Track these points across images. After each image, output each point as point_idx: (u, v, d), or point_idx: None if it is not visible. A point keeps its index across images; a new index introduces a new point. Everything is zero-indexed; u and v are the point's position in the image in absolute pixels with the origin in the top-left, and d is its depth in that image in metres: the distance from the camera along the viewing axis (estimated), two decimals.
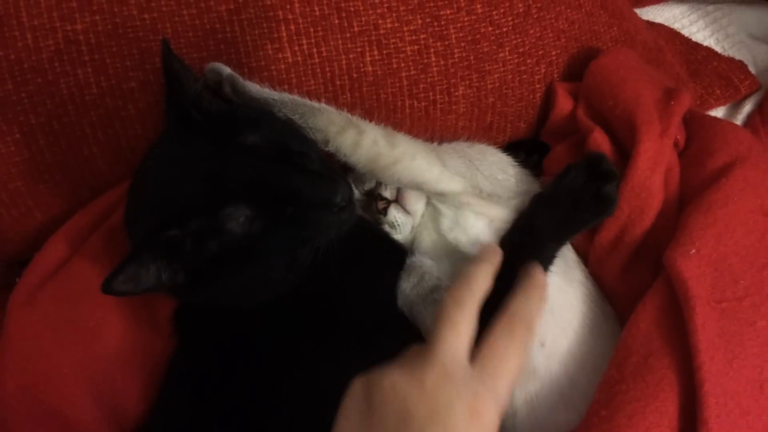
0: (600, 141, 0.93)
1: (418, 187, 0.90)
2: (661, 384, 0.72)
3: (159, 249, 0.70)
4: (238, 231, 0.71)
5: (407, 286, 0.84)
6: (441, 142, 1.03)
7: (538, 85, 1.06)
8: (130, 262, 0.68)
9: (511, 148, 1.04)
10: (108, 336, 0.85)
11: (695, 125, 0.94)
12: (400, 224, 0.91)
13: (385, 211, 0.91)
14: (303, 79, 0.94)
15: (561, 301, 0.86)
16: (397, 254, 0.89)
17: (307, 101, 0.87)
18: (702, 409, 0.68)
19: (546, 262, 0.85)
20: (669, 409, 0.70)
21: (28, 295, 0.86)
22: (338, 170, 0.81)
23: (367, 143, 0.86)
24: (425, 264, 0.87)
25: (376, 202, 0.92)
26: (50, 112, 0.87)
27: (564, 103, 1.03)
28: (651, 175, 0.86)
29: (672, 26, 1.36)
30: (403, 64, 0.97)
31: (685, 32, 1.36)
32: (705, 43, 1.35)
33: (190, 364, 0.83)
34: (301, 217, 0.73)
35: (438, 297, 0.80)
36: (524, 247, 0.84)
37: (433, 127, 1.03)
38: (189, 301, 0.83)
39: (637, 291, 0.84)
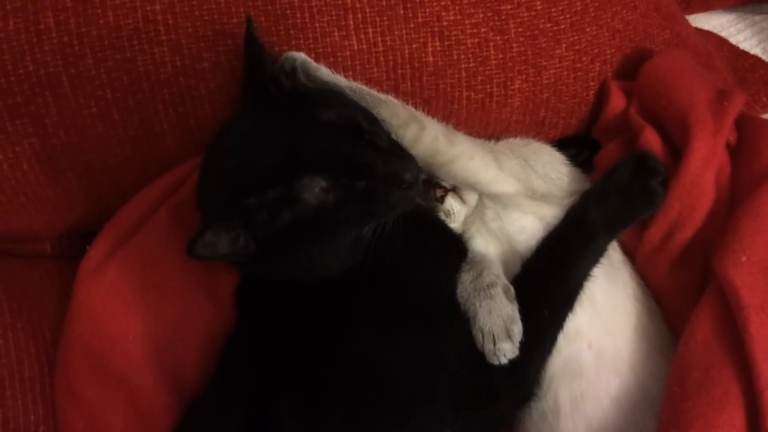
0: (651, 140, 0.95)
1: (472, 186, 0.92)
2: (726, 397, 0.72)
3: (237, 216, 0.73)
4: (313, 202, 0.74)
5: (467, 278, 0.86)
6: (495, 135, 1.07)
7: (592, 83, 1.09)
8: (211, 227, 0.71)
9: (561, 144, 1.07)
10: (172, 306, 0.89)
11: (746, 127, 0.96)
12: (455, 213, 0.94)
13: (442, 199, 0.93)
14: (367, 66, 0.97)
15: (607, 302, 0.87)
16: (461, 245, 0.91)
17: (374, 92, 0.90)
18: (765, 417, 0.70)
19: (597, 255, 0.88)
20: (736, 422, 0.71)
21: (97, 263, 0.90)
22: (406, 150, 0.83)
23: (428, 139, 0.87)
24: (486, 259, 0.89)
25: (433, 190, 0.94)
26: (126, 88, 0.91)
27: (617, 101, 1.05)
28: (703, 173, 0.88)
29: (719, 34, 1.41)
30: (463, 56, 1.00)
31: (732, 40, 1.40)
32: (752, 52, 1.39)
33: (248, 338, 0.85)
34: (372, 192, 0.76)
35: (494, 293, 0.82)
36: (575, 241, 0.88)
37: (488, 120, 1.06)
38: (254, 274, 0.85)
39: (685, 290, 0.87)
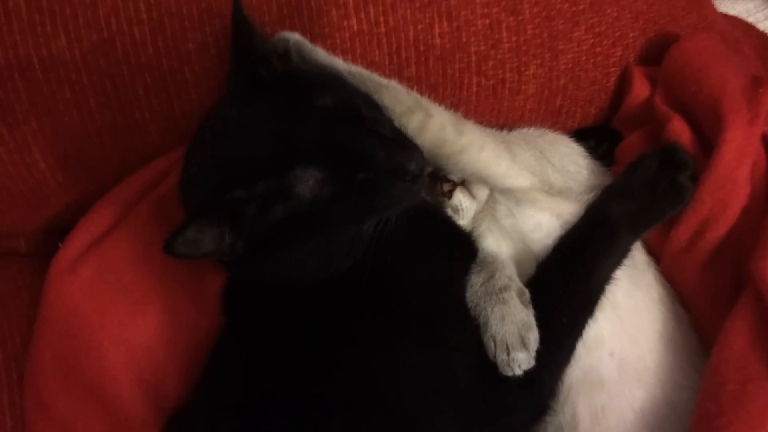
0: (680, 130, 0.91)
1: (483, 180, 0.89)
2: (765, 413, 0.69)
3: (223, 210, 0.69)
4: (307, 195, 0.70)
5: (478, 280, 0.83)
6: (507, 125, 1.03)
7: (613, 69, 1.05)
8: (194, 222, 0.67)
9: (579, 135, 1.03)
10: (153, 310, 0.85)
11: None
12: (464, 209, 0.90)
13: (450, 194, 0.89)
14: (368, 48, 0.93)
15: (630, 307, 0.85)
16: (471, 244, 0.88)
17: (375, 76, 0.87)
18: None
19: (620, 256, 0.85)
20: None
21: (70, 263, 0.86)
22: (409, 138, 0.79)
23: (434, 128, 0.84)
24: (498, 260, 0.86)
25: (440, 184, 0.90)
26: (103, 71, 0.87)
27: (641, 89, 1.02)
28: (737, 166, 0.84)
29: (746, 20, 1.35)
30: (472, 39, 0.96)
31: (760, 27, 1.35)
32: None
33: (237, 345, 0.82)
34: (373, 184, 0.72)
35: (507, 297, 0.79)
36: (596, 240, 0.84)
37: (500, 108, 1.03)
38: (243, 275, 0.82)
39: (717, 294, 0.83)
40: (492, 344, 0.78)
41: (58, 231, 0.97)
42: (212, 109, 0.82)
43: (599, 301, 0.83)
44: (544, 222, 0.89)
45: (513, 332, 0.77)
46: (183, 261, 0.83)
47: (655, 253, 0.90)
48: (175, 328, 0.85)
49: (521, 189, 0.90)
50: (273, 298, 0.80)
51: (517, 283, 0.83)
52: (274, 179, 0.70)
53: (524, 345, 0.76)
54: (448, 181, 0.90)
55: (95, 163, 0.93)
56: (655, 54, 1.05)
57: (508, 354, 0.76)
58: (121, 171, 0.94)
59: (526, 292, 0.82)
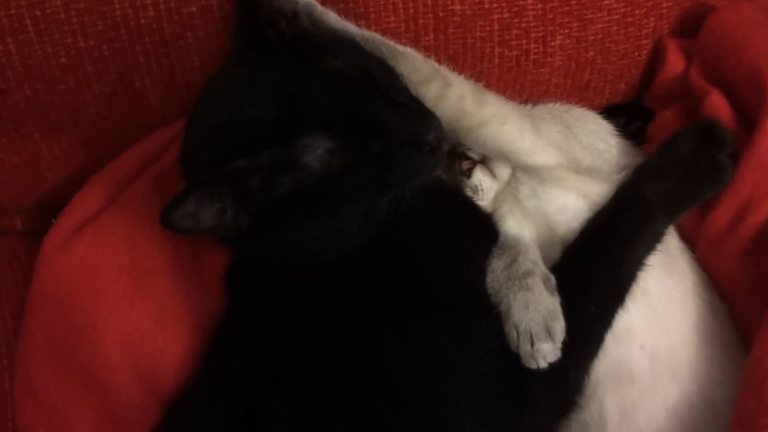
0: (718, 105, 0.88)
1: (505, 156, 0.86)
2: None
3: (225, 182, 0.67)
4: (315, 166, 0.68)
5: (499, 265, 0.81)
6: (531, 101, 1.00)
7: (645, 41, 1.01)
8: (192, 194, 0.64)
9: (608, 112, 1.00)
10: (151, 290, 0.83)
11: None
12: (485, 189, 0.88)
13: (469, 173, 0.87)
14: (383, 14, 0.90)
15: (662, 296, 0.82)
16: (492, 226, 0.85)
17: (389, 42, 0.84)
18: None
19: (653, 240, 0.82)
20: None
21: (64, 239, 0.84)
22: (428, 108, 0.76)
23: (453, 98, 0.82)
24: (521, 244, 0.84)
25: (459, 162, 0.88)
26: (101, 35, 0.85)
27: (675, 62, 0.98)
28: None
29: None
30: (495, 5, 0.93)
31: None
32: None
33: (240, 330, 0.80)
34: (388, 156, 0.69)
35: (531, 283, 0.77)
36: (628, 223, 0.82)
37: (523, 82, 1.00)
38: (247, 253, 0.80)
39: (758, 282, 0.80)
40: (514, 333, 0.75)
41: (55, 208, 0.95)
42: (215, 74, 0.80)
43: (630, 289, 0.80)
44: (570, 203, 0.87)
45: (537, 321, 0.74)
46: (184, 239, 0.82)
47: (689, 239, 0.88)
48: (175, 311, 0.83)
49: (546, 167, 0.87)
50: (279, 279, 0.78)
51: (541, 268, 0.80)
52: (280, 148, 0.67)
53: (549, 335, 0.74)
54: (468, 158, 0.87)
55: (92, 134, 0.92)
56: (690, 25, 1.01)
57: (532, 344, 0.73)
58: (119, 143, 0.92)
59: (552, 277, 0.79)
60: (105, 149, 0.93)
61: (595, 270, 0.80)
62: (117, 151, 0.92)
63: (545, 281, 0.78)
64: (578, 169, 0.89)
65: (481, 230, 0.85)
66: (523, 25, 0.96)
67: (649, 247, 0.82)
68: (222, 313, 0.83)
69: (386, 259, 0.76)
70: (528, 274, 0.78)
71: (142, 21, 0.86)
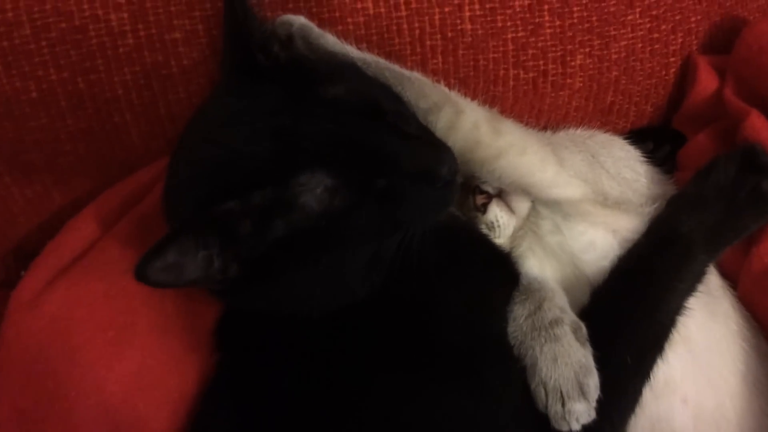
0: (759, 126, 0.85)
1: (525, 190, 0.84)
2: None
3: (211, 227, 0.64)
4: (314, 207, 0.65)
5: (522, 312, 0.78)
6: (549, 127, 0.99)
7: (672, 58, 1.01)
8: (174, 242, 0.61)
9: (634, 137, 0.98)
10: (131, 350, 0.78)
11: None
12: (502, 225, 0.85)
13: (484, 208, 0.85)
14: (386, 36, 0.90)
15: (705, 343, 0.80)
16: (512, 268, 0.83)
17: (394, 66, 0.82)
18: None
19: (694, 281, 0.80)
20: None
21: (33, 295, 0.79)
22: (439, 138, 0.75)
23: (466, 127, 0.79)
24: (546, 287, 0.81)
25: (473, 196, 0.85)
26: (75, 66, 0.84)
27: (707, 80, 0.98)
28: None
29: None
30: (509, 23, 0.93)
31: None
32: None
33: (233, 390, 0.77)
34: (396, 192, 0.67)
35: (559, 333, 0.74)
36: (665, 261, 0.79)
37: (541, 106, 0.99)
38: (239, 305, 0.77)
39: None
40: (542, 392, 0.72)
41: (30, 256, 0.91)
42: (201, 106, 0.78)
43: (669, 336, 0.78)
44: (598, 239, 0.84)
45: (568, 377, 0.71)
46: (169, 290, 0.79)
47: (729, 275, 0.86)
48: (159, 373, 0.78)
49: (571, 200, 0.85)
50: (276, 332, 0.75)
51: (570, 316, 0.77)
52: (274, 187, 0.65)
53: (582, 393, 0.71)
54: (482, 192, 0.85)
55: (68, 175, 0.91)
56: (721, 40, 1.02)
57: (563, 404, 0.70)
58: (97, 184, 0.91)
59: (582, 326, 0.76)
60: (82, 191, 0.92)
61: (629, 316, 0.78)
62: (95, 193, 0.89)
63: (575, 331, 0.75)
64: (606, 201, 0.87)
65: (501, 273, 0.82)
66: (540, 44, 0.96)
67: (689, 289, 0.79)
68: (212, 372, 0.79)
69: (395, 308, 0.73)
70: (555, 322, 0.75)
71: (121, 50, 0.85)
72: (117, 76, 0.86)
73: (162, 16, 0.84)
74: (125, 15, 0.83)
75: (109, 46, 0.84)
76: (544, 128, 0.98)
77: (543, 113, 1.00)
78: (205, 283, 0.67)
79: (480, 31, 0.93)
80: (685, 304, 0.78)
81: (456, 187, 0.73)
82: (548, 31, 0.95)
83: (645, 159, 0.94)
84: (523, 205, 0.86)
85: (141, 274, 0.60)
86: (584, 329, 0.75)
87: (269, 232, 0.66)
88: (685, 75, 1.03)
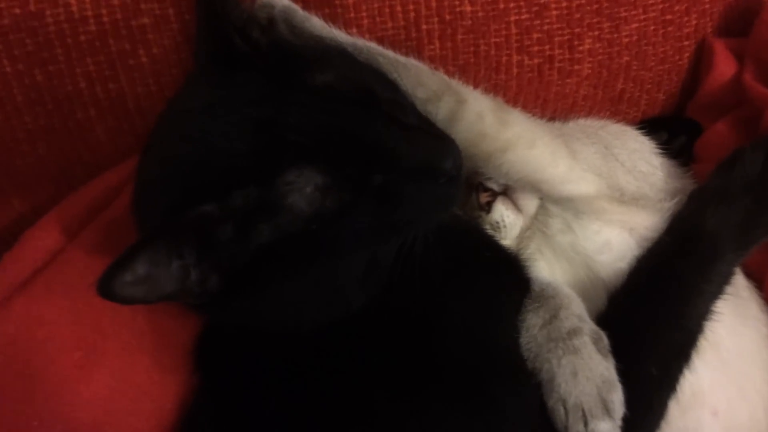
0: None
1: (534, 186, 0.82)
2: None
3: (186, 234, 0.61)
4: (304, 207, 0.63)
5: (536, 321, 0.76)
6: (556, 117, 0.97)
7: (686, 42, 1.00)
8: (144, 251, 0.58)
9: (646, 127, 0.97)
10: (100, 373, 0.75)
11: None
12: (508, 225, 0.84)
13: (489, 206, 0.83)
14: (377, 20, 0.88)
15: (735, 349, 0.79)
16: (521, 272, 0.81)
17: (388, 52, 0.80)
18: None
19: (722, 282, 0.79)
20: None
21: None
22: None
23: (469, 117, 0.77)
24: (561, 293, 0.79)
25: (476, 194, 0.84)
26: (31, 56, 0.82)
27: (725, 65, 0.97)
28: None
29: None
30: (512, 5, 0.91)
31: None
32: None
33: (215, 416, 0.74)
34: (395, 190, 0.64)
35: (578, 344, 0.72)
36: (690, 261, 0.78)
37: (546, 95, 0.98)
38: (220, 321, 0.75)
39: None
40: (561, 410, 0.70)
41: None
42: (173, 98, 0.76)
43: (697, 343, 0.76)
44: (613, 239, 0.82)
45: (590, 393, 0.70)
46: (142, 305, 0.74)
47: (754, 276, 0.85)
48: (131, 397, 0.75)
49: (584, 197, 0.83)
50: (262, 351, 0.73)
51: (589, 325, 0.75)
52: (257, 187, 0.62)
53: (606, 410, 0.69)
54: (486, 189, 0.84)
55: (27, 178, 0.89)
56: (738, 22, 1.01)
57: (586, 424, 0.69)
58: (60, 187, 0.89)
59: (603, 336, 0.74)
60: (43, 196, 0.90)
61: (653, 322, 0.76)
62: (58, 198, 0.86)
63: (596, 341, 0.73)
64: (622, 197, 0.85)
65: (510, 278, 0.80)
66: (545, 27, 0.95)
67: (717, 291, 0.78)
68: (191, 395, 0.77)
69: (395, 320, 0.71)
70: (574, 332, 0.73)
71: (82, 37, 0.82)
72: (79, 67, 0.84)
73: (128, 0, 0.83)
74: None
75: (69, 34, 0.82)
76: (551, 119, 0.95)
77: (549, 103, 0.99)
78: (181, 297, 0.64)
79: (480, 14, 0.91)
80: (713, 308, 0.76)
81: (461, 183, 0.71)
82: (554, 12, 0.94)
83: (660, 151, 0.92)
84: (530, 203, 0.84)
85: (106, 290, 0.56)
86: (605, 339, 0.73)
87: (253, 237, 0.63)
88: (700, 60, 1.02)
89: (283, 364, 0.72)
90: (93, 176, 0.87)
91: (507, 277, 0.80)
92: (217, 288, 0.64)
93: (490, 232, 0.84)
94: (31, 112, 0.85)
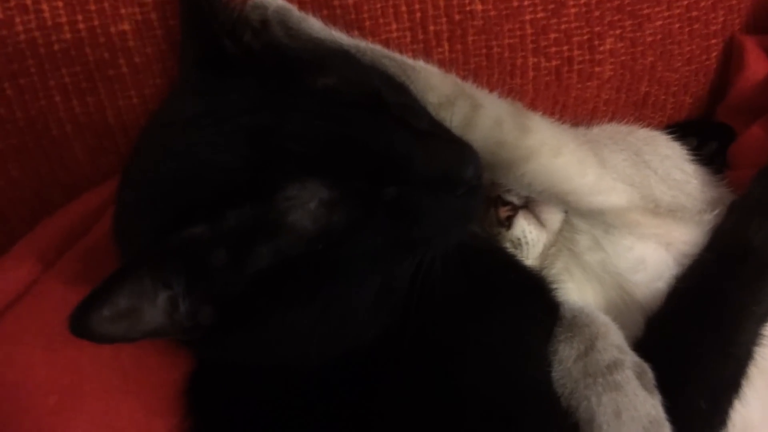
0: None
1: (560, 198, 0.80)
2: None
3: (173, 260, 0.58)
4: (307, 227, 0.59)
5: (569, 353, 0.74)
6: (576, 123, 0.94)
7: (714, 40, 0.99)
8: (124, 281, 0.55)
9: (673, 133, 0.95)
10: (79, 419, 0.71)
11: None
12: (530, 242, 0.82)
13: (509, 222, 0.81)
14: (381, 21, 0.86)
15: None
16: (550, 296, 0.78)
17: (395, 54, 0.79)
18: None
19: None
20: None
21: None
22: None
23: (486, 124, 0.76)
24: (597, 322, 0.76)
25: (495, 209, 0.82)
26: (1, 68, 0.80)
27: (757, 64, 0.96)
28: None
29: None
30: (526, 2, 0.90)
31: None
32: None
33: None
34: (410, 203, 0.61)
35: (620, 380, 0.70)
36: (736, 281, 0.76)
37: (565, 100, 0.97)
38: (215, 357, 0.71)
39: None
40: None
41: None
42: (157, 109, 0.74)
43: (747, 372, 0.74)
44: (648, 256, 0.80)
45: None
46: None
47: None
48: None
49: (615, 209, 0.80)
50: (263, 390, 0.70)
51: (632, 357, 0.72)
52: (254, 205, 0.59)
53: None
54: (506, 203, 0.82)
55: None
56: (765, 19, 1.01)
57: None
58: (34, 212, 0.87)
59: (648, 369, 0.71)
60: (15, 221, 0.88)
61: (699, 350, 0.74)
62: (32, 223, 0.83)
63: (640, 375, 0.70)
64: (657, 209, 0.83)
65: (539, 303, 0.77)
66: (563, 26, 0.94)
67: (766, 313, 0.76)
68: None
69: (411, 352, 0.67)
70: (614, 366, 0.70)
71: (56, 46, 0.80)
72: (53, 79, 0.82)
73: (106, 4, 0.80)
74: (60, 3, 0.78)
75: (41, 43, 0.80)
76: (572, 126, 0.92)
77: (568, 108, 0.98)
78: (169, 333, 0.61)
79: (492, 13, 0.90)
80: (762, 331, 0.74)
81: (482, 194, 0.69)
82: (572, 10, 0.93)
83: (691, 157, 0.91)
84: (554, 217, 0.82)
85: (81, 327, 0.53)
86: (650, 372, 0.70)
87: (250, 262, 0.59)
88: (728, 59, 1.02)
89: (287, 406, 0.68)
90: (71, 199, 0.84)
91: (535, 302, 0.78)
92: (211, 321, 0.60)
93: (510, 250, 0.82)
94: (2, 130, 0.83)
